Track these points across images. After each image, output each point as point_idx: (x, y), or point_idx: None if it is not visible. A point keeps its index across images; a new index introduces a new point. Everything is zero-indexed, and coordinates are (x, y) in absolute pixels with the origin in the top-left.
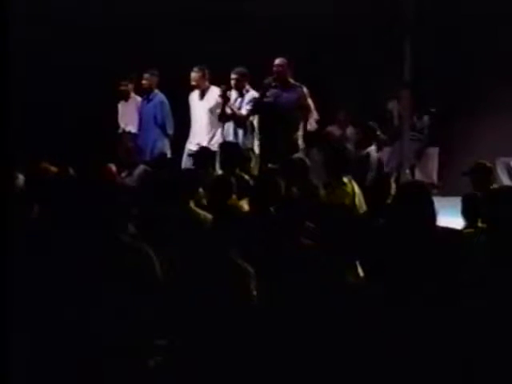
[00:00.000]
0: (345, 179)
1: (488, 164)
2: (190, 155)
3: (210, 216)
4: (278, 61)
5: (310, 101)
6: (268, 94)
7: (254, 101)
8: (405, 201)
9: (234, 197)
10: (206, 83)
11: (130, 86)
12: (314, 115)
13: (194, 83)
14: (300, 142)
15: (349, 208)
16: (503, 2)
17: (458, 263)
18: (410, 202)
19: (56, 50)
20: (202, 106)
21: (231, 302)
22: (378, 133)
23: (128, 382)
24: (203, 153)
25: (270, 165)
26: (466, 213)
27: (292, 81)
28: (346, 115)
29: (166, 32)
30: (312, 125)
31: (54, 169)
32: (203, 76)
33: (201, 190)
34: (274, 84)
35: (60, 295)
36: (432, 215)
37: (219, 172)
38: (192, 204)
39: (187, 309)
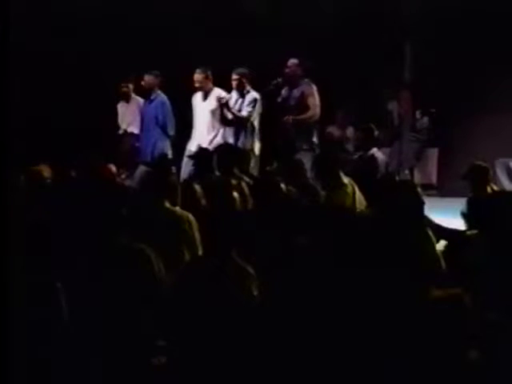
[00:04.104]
0: (345, 180)
1: (483, 165)
2: (189, 156)
3: (188, 214)
4: (288, 62)
5: (315, 99)
6: (277, 94)
7: (263, 101)
8: (393, 200)
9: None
10: (210, 84)
11: (131, 87)
12: (312, 112)
13: (197, 84)
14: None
15: (349, 209)
16: (503, 1)
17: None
18: (397, 201)
19: (56, 49)
20: (204, 108)
21: (232, 302)
22: (376, 134)
23: (129, 382)
24: (202, 154)
25: (269, 166)
26: (467, 215)
27: (300, 80)
28: (345, 115)
29: (168, 32)
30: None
31: (53, 170)
32: (206, 77)
33: (199, 190)
34: (281, 84)
35: (60, 296)
36: (419, 215)
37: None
38: (167, 203)
39: (188, 309)
